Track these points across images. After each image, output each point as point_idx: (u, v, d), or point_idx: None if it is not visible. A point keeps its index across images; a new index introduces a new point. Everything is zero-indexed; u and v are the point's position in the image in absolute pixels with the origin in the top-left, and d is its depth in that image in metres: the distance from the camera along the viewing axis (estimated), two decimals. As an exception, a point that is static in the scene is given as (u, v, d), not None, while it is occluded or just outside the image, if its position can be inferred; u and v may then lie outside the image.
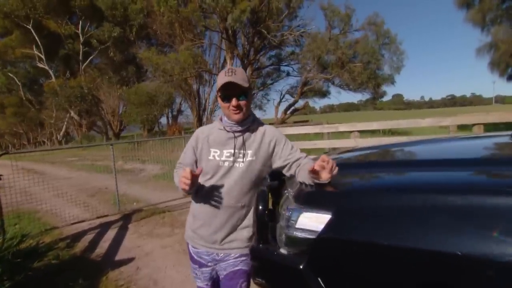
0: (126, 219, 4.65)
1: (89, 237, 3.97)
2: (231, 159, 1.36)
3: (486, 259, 0.78)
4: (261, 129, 1.43)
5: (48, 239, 3.86)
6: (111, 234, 4.04)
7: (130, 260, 3.23)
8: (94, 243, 3.74)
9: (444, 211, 0.88)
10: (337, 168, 1.17)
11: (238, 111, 1.32)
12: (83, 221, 4.47)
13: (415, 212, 0.92)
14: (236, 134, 1.38)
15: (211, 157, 1.38)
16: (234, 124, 1.37)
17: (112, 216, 4.76)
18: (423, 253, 0.86)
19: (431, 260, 0.85)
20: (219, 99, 1.38)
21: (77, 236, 4.00)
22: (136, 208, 5.11)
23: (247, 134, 1.39)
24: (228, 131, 1.38)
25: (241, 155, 1.37)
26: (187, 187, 1.22)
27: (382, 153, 1.79)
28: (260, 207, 1.31)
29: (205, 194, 1.38)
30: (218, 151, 1.38)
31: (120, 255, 3.37)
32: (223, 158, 1.37)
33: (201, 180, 1.42)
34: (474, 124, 4.77)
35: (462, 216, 0.86)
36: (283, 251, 1.21)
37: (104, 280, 2.80)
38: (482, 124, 4.65)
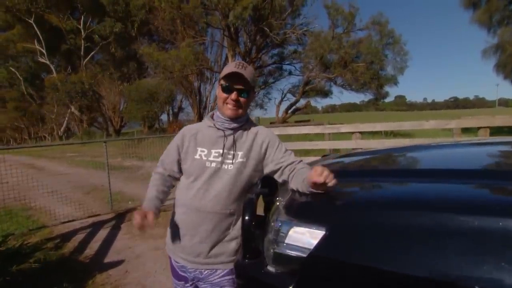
0: (120, 218, 4.53)
1: (79, 237, 3.85)
2: (219, 159, 1.23)
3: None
4: (253, 130, 1.31)
5: (36, 238, 3.74)
6: (102, 234, 3.92)
7: (119, 262, 3.10)
8: (84, 244, 3.62)
9: (463, 235, 0.74)
10: (334, 181, 1.03)
11: (235, 107, 1.22)
12: (74, 220, 4.35)
13: (428, 233, 0.78)
14: (227, 133, 1.26)
15: (197, 157, 1.25)
16: (226, 120, 1.25)
17: (105, 215, 4.64)
18: (435, 283, 0.72)
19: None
20: (218, 89, 1.26)
21: (67, 236, 3.87)
22: (130, 207, 4.99)
23: (238, 133, 1.27)
24: (218, 129, 1.26)
25: (230, 156, 1.24)
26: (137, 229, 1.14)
27: (388, 159, 1.62)
28: (246, 217, 1.17)
29: (188, 199, 1.24)
30: (206, 150, 1.25)
31: (109, 257, 3.25)
32: (211, 158, 1.24)
33: (185, 182, 1.29)
34: (479, 128, 4.61)
35: (484, 242, 0.72)
36: (270, 268, 1.07)
37: (90, 284, 2.68)
38: (488, 128, 4.48)
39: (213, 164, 1.23)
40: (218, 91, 1.28)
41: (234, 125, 1.26)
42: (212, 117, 1.32)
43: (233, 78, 1.19)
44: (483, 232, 0.73)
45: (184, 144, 1.30)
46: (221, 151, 1.24)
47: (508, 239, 0.70)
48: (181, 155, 1.31)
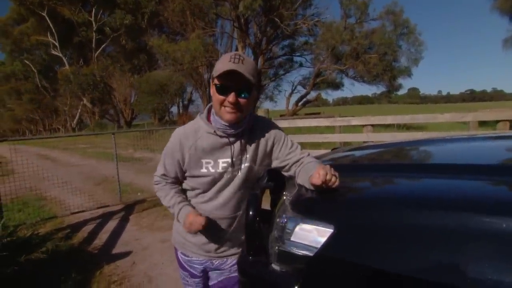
0: (128, 210, 4.57)
1: (89, 227, 3.90)
2: (230, 169, 1.13)
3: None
4: (256, 127, 1.18)
5: (47, 228, 3.81)
6: (111, 225, 3.96)
7: (127, 254, 3.12)
8: (93, 234, 3.66)
9: (486, 236, 0.66)
10: (336, 183, 0.97)
11: (234, 110, 1.03)
12: (84, 210, 4.41)
13: (446, 234, 0.70)
14: (232, 139, 1.12)
15: (204, 170, 1.13)
16: (228, 126, 1.08)
17: (114, 207, 4.69)
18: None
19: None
20: (212, 89, 1.07)
21: (77, 226, 3.93)
22: (139, 198, 5.03)
23: (244, 136, 1.14)
24: (221, 136, 1.11)
25: (238, 162, 1.14)
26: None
27: (402, 153, 1.53)
28: (250, 213, 1.11)
29: (197, 204, 1.20)
30: (212, 161, 1.12)
31: (117, 248, 3.27)
32: (220, 170, 1.13)
33: (192, 193, 1.22)
34: (498, 121, 4.40)
35: (505, 244, 0.64)
36: (275, 267, 1.01)
37: (98, 274, 2.70)
38: (508, 121, 4.28)
39: (224, 175, 1.14)
40: (212, 92, 1.07)
41: (236, 130, 1.11)
42: (208, 119, 1.16)
43: (229, 76, 0.99)
44: (507, 234, 0.66)
45: (185, 157, 1.13)
46: (229, 160, 1.12)
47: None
48: (183, 167, 1.16)
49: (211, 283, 1.31)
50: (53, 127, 41.76)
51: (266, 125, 1.21)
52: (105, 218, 4.22)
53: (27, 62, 30.40)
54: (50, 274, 2.61)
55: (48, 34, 26.30)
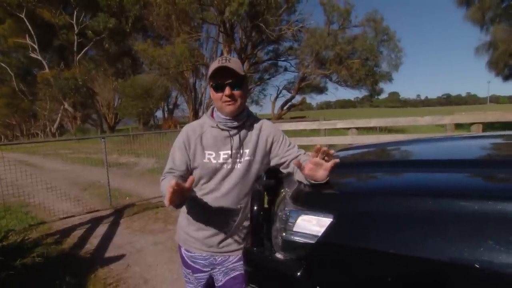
0: (118, 214, 4.54)
1: (79, 232, 3.86)
2: (229, 160, 1.24)
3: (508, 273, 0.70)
4: (257, 126, 1.31)
5: (36, 234, 3.74)
6: (102, 229, 3.94)
7: (120, 257, 3.13)
8: (83, 239, 3.63)
9: (461, 218, 0.79)
10: (335, 161, 1.04)
11: (231, 102, 1.19)
12: (73, 216, 4.35)
13: (430, 219, 0.83)
14: (232, 132, 1.25)
15: (206, 160, 1.25)
16: (229, 119, 1.23)
17: (103, 211, 4.65)
18: (439, 265, 0.77)
19: (449, 274, 0.76)
20: (211, 90, 1.23)
21: (67, 232, 3.88)
22: (128, 203, 5.00)
23: (243, 131, 1.27)
24: (222, 129, 1.25)
25: (238, 155, 1.25)
26: (170, 203, 0.99)
27: (389, 152, 1.69)
28: (255, 208, 1.21)
29: (200, 197, 1.28)
30: (214, 153, 1.25)
31: (110, 252, 3.27)
32: (220, 161, 1.24)
33: (197, 186, 1.30)
34: (472, 123, 4.72)
35: (480, 224, 0.77)
36: (278, 255, 1.11)
37: (92, 278, 2.70)
38: (481, 123, 4.60)
39: (224, 166, 1.24)
40: (211, 93, 1.24)
41: (236, 123, 1.25)
42: (212, 115, 1.30)
43: (221, 73, 1.16)
44: (480, 215, 0.79)
45: (191, 148, 1.26)
46: (229, 152, 1.24)
47: (501, 221, 0.75)
48: (189, 157, 1.27)
49: (217, 284, 1.36)
50: (31, 132, 40.19)
51: (266, 125, 1.34)
52: (95, 222, 4.18)
53: (3, 65, 29.18)
54: (44, 279, 2.59)
55: (27, 37, 25.40)
